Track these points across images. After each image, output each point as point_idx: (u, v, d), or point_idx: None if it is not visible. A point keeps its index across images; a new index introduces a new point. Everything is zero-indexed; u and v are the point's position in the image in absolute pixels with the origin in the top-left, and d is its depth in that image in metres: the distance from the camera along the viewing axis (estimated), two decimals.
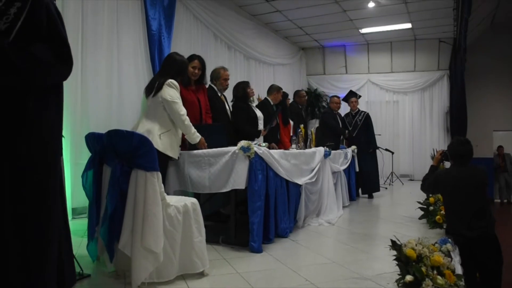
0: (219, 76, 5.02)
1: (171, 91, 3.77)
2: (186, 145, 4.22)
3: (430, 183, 3.92)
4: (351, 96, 8.09)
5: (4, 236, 1.75)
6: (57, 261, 2.03)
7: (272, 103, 6.15)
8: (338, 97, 7.95)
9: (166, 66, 4.02)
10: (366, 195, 7.79)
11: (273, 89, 6.25)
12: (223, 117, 5.01)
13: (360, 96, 8.35)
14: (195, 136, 3.95)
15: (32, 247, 1.83)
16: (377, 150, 10.14)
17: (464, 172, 3.60)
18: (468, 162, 3.67)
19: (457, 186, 3.56)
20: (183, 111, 3.80)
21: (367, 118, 7.96)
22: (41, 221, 1.87)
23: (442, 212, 4.76)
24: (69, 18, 4.95)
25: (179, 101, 3.80)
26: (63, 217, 2.22)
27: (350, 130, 7.85)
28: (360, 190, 7.85)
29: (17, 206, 1.79)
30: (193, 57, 4.62)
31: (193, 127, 3.92)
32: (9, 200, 1.76)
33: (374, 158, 8.05)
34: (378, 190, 7.95)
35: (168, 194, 3.22)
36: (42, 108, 1.91)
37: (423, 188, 4.10)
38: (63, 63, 1.98)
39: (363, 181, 7.75)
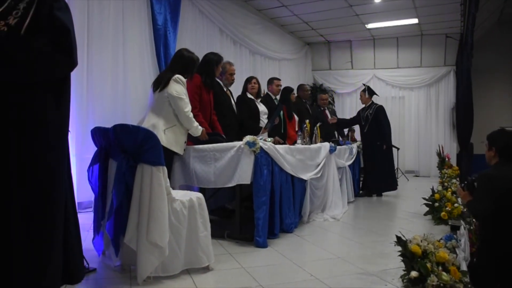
0: (225, 70, 5.02)
1: (178, 87, 3.77)
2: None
3: (482, 191, 2.66)
4: (361, 90, 7.82)
5: (10, 232, 1.75)
6: (65, 257, 2.04)
7: (273, 97, 6.17)
8: (325, 93, 8.05)
9: (174, 62, 4.05)
10: (375, 194, 7.39)
11: (269, 82, 6.33)
12: (229, 112, 5.00)
13: (366, 87, 7.75)
14: (198, 129, 3.97)
15: (36, 243, 1.84)
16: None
17: None
18: None
19: None
20: (187, 107, 3.80)
21: (377, 112, 7.44)
22: (46, 217, 1.87)
23: (448, 208, 4.74)
24: (75, 12, 4.94)
25: (184, 97, 3.80)
26: (73, 213, 2.22)
27: (362, 125, 7.54)
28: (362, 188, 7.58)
29: (24, 203, 1.79)
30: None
31: (195, 122, 3.93)
32: (16, 197, 1.77)
33: (386, 155, 7.42)
34: (384, 190, 7.40)
35: (173, 189, 3.23)
36: (49, 105, 1.90)
37: (471, 209, 2.86)
38: (64, 52, 1.92)
39: (369, 179, 7.40)
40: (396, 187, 7.50)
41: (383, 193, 7.43)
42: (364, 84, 7.96)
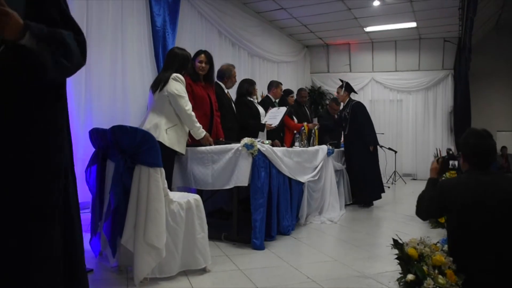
0: (231, 74, 5.06)
1: (177, 85, 3.79)
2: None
3: (431, 199, 2.57)
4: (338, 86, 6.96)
5: (4, 241, 1.70)
6: (64, 263, 1.94)
7: (273, 100, 6.17)
8: (339, 104, 7.39)
9: (168, 61, 4.04)
10: (362, 204, 6.50)
11: (272, 85, 6.30)
12: (230, 115, 5.02)
13: (344, 83, 6.82)
14: (200, 132, 3.97)
15: (33, 251, 1.78)
16: (380, 149, 10.03)
17: (489, 183, 2.33)
18: (491, 165, 2.45)
19: (480, 203, 2.28)
20: (188, 105, 3.81)
21: (354, 110, 6.59)
22: (42, 228, 1.79)
23: None
24: (74, 13, 4.93)
25: (185, 95, 3.81)
26: (78, 219, 2.11)
27: (343, 127, 6.77)
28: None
29: (20, 209, 1.74)
30: (199, 52, 4.60)
31: (197, 122, 3.93)
32: (12, 203, 1.71)
33: (371, 158, 6.54)
34: (374, 199, 6.50)
35: (171, 190, 3.23)
36: (45, 108, 1.85)
37: (420, 211, 2.71)
38: (83, 53, 1.86)
39: (355, 187, 6.54)
40: (380, 195, 6.60)
41: (373, 203, 6.57)
42: (341, 80, 7.04)
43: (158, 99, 3.83)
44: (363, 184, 6.43)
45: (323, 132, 6.90)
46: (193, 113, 3.86)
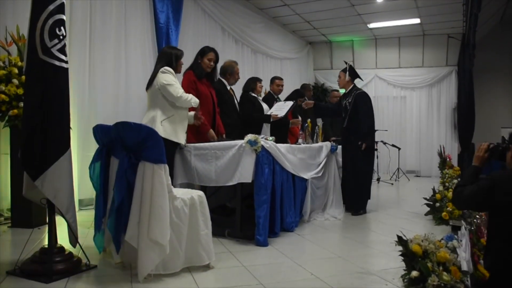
0: (234, 70, 5.08)
1: (166, 76, 3.85)
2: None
3: (479, 189, 2.23)
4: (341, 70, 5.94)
5: None
6: None
7: (275, 96, 6.19)
8: (338, 91, 7.61)
9: (158, 60, 4.16)
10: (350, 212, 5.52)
11: (271, 81, 6.39)
12: (232, 111, 5.04)
13: (348, 66, 5.82)
14: (194, 100, 4.00)
15: None
16: (383, 146, 10.02)
17: None
18: None
19: None
20: (179, 92, 3.85)
21: (357, 100, 5.59)
22: None
23: (449, 208, 4.73)
24: (78, 10, 4.97)
25: (174, 83, 3.86)
26: None
27: (342, 117, 5.80)
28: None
29: None
30: (208, 49, 4.65)
31: (188, 96, 3.93)
32: None
33: (365, 159, 5.59)
34: (362, 209, 5.55)
35: (174, 186, 3.23)
36: None
37: (460, 200, 2.37)
38: None
39: (346, 190, 5.66)
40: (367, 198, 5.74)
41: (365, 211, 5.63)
42: (345, 62, 6.00)
43: (151, 94, 3.92)
44: (354, 189, 5.56)
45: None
46: (185, 95, 3.89)
